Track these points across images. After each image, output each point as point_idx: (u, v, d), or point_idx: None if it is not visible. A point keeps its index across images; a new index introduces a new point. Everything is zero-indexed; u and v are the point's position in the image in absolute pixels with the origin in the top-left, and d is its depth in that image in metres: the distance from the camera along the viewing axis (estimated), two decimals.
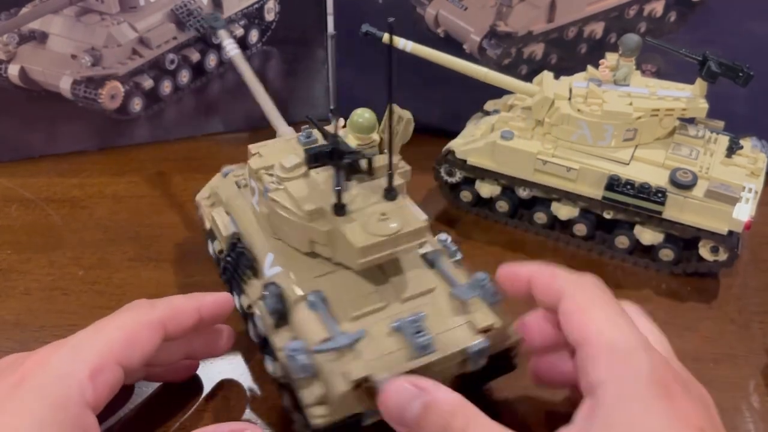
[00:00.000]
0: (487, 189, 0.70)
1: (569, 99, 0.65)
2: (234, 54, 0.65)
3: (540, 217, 0.69)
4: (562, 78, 0.68)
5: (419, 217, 0.43)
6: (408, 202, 0.46)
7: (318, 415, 0.40)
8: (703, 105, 0.64)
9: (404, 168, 0.50)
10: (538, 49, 0.79)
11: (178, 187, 0.76)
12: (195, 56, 0.82)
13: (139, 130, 0.83)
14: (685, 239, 0.63)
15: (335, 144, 0.44)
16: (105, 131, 0.82)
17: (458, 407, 0.35)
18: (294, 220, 0.45)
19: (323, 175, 0.47)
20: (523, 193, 0.69)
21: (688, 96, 0.65)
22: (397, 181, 0.46)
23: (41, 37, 0.75)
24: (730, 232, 0.60)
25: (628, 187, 0.61)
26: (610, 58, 0.67)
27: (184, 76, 0.82)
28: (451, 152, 0.70)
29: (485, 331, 0.44)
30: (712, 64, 0.62)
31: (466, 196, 0.73)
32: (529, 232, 0.71)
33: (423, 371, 0.40)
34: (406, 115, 0.48)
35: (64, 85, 0.78)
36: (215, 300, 0.47)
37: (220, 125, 0.86)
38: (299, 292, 0.45)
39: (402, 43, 0.69)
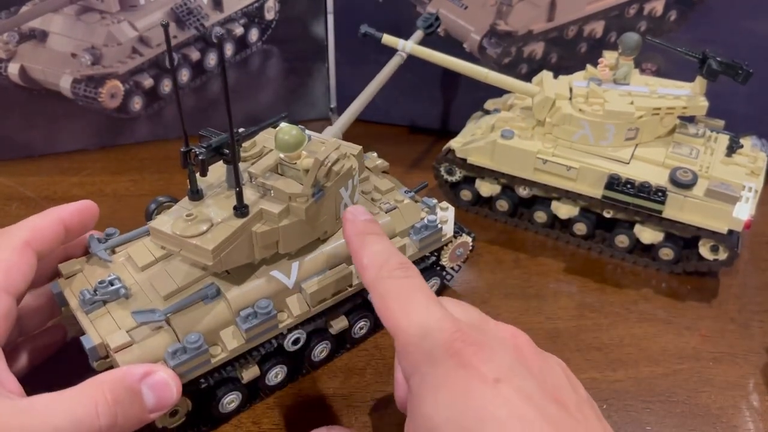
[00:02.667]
0: (487, 188, 0.70)
1: (570, 99, 0.65)
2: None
3: (540, 216, 0.69)
4: (561, 77, 0.68)
5: (208, 246, 0.42)
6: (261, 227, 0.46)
7: None
8: (703, 103, 0.64)
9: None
10: (538, 48, 0.79)
11: (178, 186, 0.76)
12: (195, 55, 0.82)
13: (139, 128, 0.83)
14: (685, 238, 0.63)
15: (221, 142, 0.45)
16: (105, 130, 0.82)
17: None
18: None
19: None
20: (523, 192, 0.69)
21: (688, 94, 0.65)
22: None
23: (41, 36, 0.75)
24: (730, 231, 0.60)
25: (628, 186, 0.61)
26: (609, 57, 0.67)
27: (184, 75, 0.82)
28: (451, 151, 0.70)
29: None
30: (712, 62, 0.62)
31: (466, 195, 0.73)
32: (529, 231, 0.71)
33: None
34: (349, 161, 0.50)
35: (64, 84, 0.78)
36: (75, 208, 0.48)
37: (220, 124, 0.86)
38: None
39: (401, 44, 0.68)
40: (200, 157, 0.42)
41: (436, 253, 0.57)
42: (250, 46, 0.84)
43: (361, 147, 0.53)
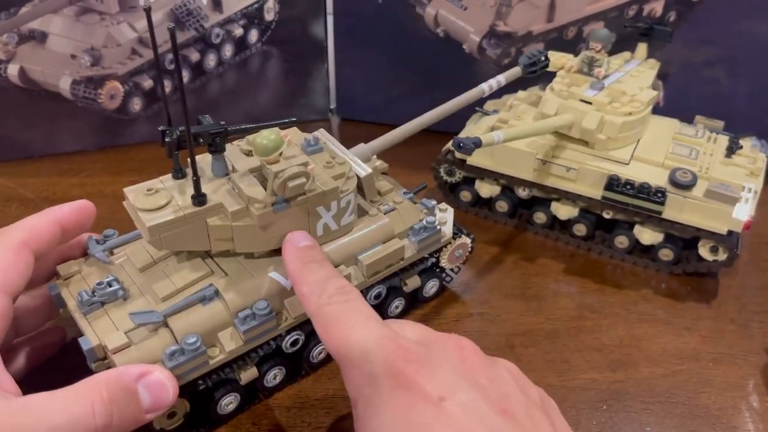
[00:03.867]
0: (486, 189, 0.70)
1: (597, 110, 0.64)
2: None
3: (539, 217, 0.69)
4: (533, 90, 0.68)
5: (147, 223, 0.43)
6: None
7: None
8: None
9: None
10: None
11: None
12: (194, 56, 0.82)
13: (139, 129, 0.83)
14: (685, 239, 0.63)
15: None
16: (105, 131, 0.82)
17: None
18: None
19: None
20: (523, 192, 0.69)
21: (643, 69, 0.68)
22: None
23: (41, 37, 0.75)
24: (730, 232, 0.60)
25: (628, 186, 0.61)
26: (580, 58, 0.68)
27: (184, 76, 0.82)
28: (450, 152, 0.70)
29: None
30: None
31: (465, 195, 0.73)
32: (528, 231, 0.71)
33: None
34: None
35: (64, 85, 0.78)
36: (72, 208, 0.48)
37: None
38: None
39: (497, 137, 0.60)
40: (166, 139, 0.43)
41: (435, 255, 0.57)
42: (249, 47, 0.84)
43: (371, 171, 0.53)
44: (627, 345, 0.57)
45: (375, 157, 0.60)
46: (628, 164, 0.63)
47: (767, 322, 0.60)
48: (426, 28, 0.81)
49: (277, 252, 0.48)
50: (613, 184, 0.62)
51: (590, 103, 0.64)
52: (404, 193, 0.57)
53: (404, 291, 0.57)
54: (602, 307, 0.61)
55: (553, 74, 0.69)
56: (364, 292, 0.52)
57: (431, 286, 0.60)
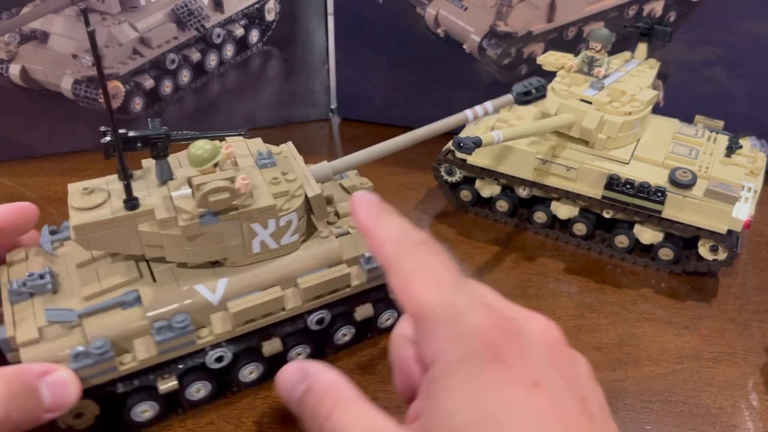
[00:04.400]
0: (487, 188, 0.70)
1: (597, 109, 0.64)
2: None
3: (540, 217, 0.69)
4: (548, 93, 0.68)
5: (73, 221, 0.44)
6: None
7: None
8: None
9: None
10: (537, 49, 0.79)
11: None
12: (195, 56, 0.82)
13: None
14: (685, 238, 0.63)
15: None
16: None
17: (329, 390, 0.35)
18: None
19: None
20: (523, 192, 0.69)
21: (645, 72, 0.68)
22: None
23: (42, 37, 0.75)
24: (730, 231, 0.60)
25: (628, 186, 0.61)
26: (580, 57, 0.68)
27: (185, 76, 0.82)
28: (451, 152, 0.70)
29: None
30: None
31: (466, 195, 0.73)
32: (528, 231, 0.71)
33: None
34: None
35: (65, 85, 0.78)
36: (10, 210, 0.48)
37: (220, 125, 0.86)
38: None
39: (497, 137, 0.60)
40: (102, 141, 0.44)
41: None
42: (250, 47, 0.84)
43: (320, 191, 0.50)
44: (627, 344, 0.57)
45: (357, 173, 0.59)
46: (628, 164, 0.63)
47: (767, 322, 0.60)
48: (426, 28, 0.81)
49: (214, 264, 0.48)
50: (613, 183, 0.62)
51: (590, 103, 0.64)
52: None
53: (355, 319, 0.54)
54: (602, 307, 0.61)
55: (553, 74, 0.69)
56: (305, 315, 0.50)
57: (387, 318, 0.56)
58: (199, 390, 0.49)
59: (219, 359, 0.48)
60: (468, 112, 0.58)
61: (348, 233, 0.52)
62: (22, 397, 0.38)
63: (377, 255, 0.36)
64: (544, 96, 0.61)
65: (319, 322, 0.51)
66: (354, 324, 0.54)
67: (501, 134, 0.59)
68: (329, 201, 0.54)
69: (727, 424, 0.50)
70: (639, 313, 0.60)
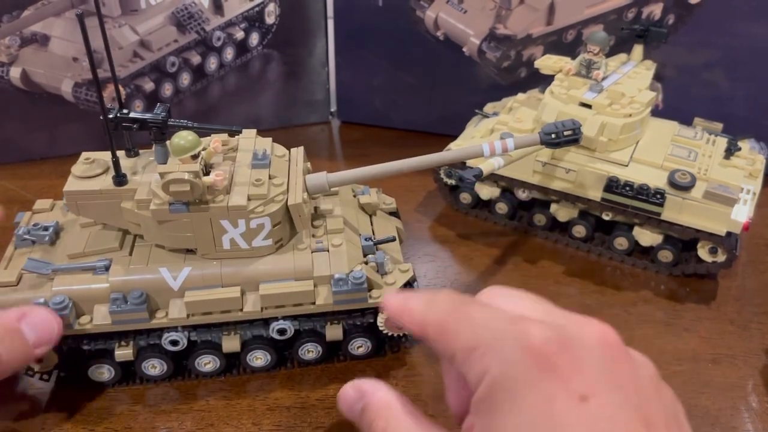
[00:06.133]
0: (486, 191, 0.71)
1: (597, 113, 0.64)
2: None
3: (539, 219, 0.69)
4: (547, 97, 0.68)
5: (66, 187, 0.48)
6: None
7: None
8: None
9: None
10: (537, 52, 0.79)
11: None
12: (196, 59, 0.82)
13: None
14: (684, 240, 0.63)
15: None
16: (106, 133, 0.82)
17: (382, 409, 0.37)
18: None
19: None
20: (523, 194, 0.69)
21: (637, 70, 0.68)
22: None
23: (43, 40, 0.76)
24: (729, 234, 0.60)
25: (627, 188, 0.61)
26: (578, 60, 0.68)
27: (185, 79, 0.83)
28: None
29: None
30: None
31: (465, 198, 0.73)
32: (528, 233, 0.71)
33: None
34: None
35: (66, 88, 0.78)
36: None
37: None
38: None
39: (497, 164, 0.59)
40: (102, 117, 0.47)
41: (372, 313, 0.52)
42: (250, 50, 0.84)
43: (300, 201, 0.49)
44: (626, 346, 0.57)
45: (380, 190, 0.60)
46: (627, 166, 0.63)
47: (766, 323, 0.60)
48: (426, 31, 0.81)
49: (188, 252, 0.50)
50: (612, 185, 0.62)
51: (590, 106, 0.64)
52: (365, 238, 0.53)
53: (323, 337, 0.53)
54: (602, 309, 0.61)
55: (551, 77, 0.69)
56: (266, 322, 0.51)
57: (358, 346, 0.54)
58: (154, 366, 0.52)
59: (174, 342, 0.50)
60: (485, 146, 0.54)
61: (326, 251, 0.51)
62: (8, 339, 0.44)
63: (414, 327, 0.36)
64: (577, 141, 0.56)
65: (281, 332, 0.51)
66: (322, 343, 0.53)
67: (501, 161, 0.59)
68: (322, 214, 0.54)
69: (727, 426, 0.50)
70: (638, 315, 0.60)
